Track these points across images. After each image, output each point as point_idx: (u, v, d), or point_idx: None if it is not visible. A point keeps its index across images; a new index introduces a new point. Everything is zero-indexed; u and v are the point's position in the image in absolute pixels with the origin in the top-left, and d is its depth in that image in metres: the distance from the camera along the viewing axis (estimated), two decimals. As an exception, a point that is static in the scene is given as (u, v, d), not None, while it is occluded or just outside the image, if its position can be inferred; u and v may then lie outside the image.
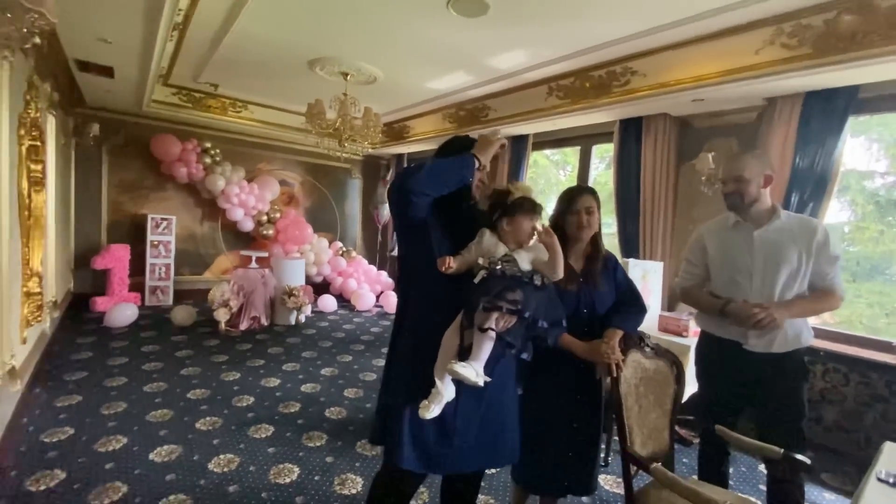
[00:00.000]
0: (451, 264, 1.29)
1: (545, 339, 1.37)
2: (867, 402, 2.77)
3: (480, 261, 1.30)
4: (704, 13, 2.58)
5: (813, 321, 3.15)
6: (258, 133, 6.32)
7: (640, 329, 1.74)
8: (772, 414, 1.83)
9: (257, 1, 2.87)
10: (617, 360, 1.56)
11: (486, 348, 1.29)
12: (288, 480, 2.26)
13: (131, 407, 2.93)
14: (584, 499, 2.23)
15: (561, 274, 1.39)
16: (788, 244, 1.77)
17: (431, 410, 1.24)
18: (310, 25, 3.24)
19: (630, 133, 3.83)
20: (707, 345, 1.99)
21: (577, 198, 1.70)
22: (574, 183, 5.06)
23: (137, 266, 5.53)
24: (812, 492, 2.47)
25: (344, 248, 6.90)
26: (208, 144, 5.90)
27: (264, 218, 6.26)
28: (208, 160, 5.84)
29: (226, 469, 2.32)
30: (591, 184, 4.88)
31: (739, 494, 1.91)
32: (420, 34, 3.23)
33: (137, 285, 5.57)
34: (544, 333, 1.34)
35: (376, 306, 6.37)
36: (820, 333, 3.03)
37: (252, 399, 3.18)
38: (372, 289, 6.55)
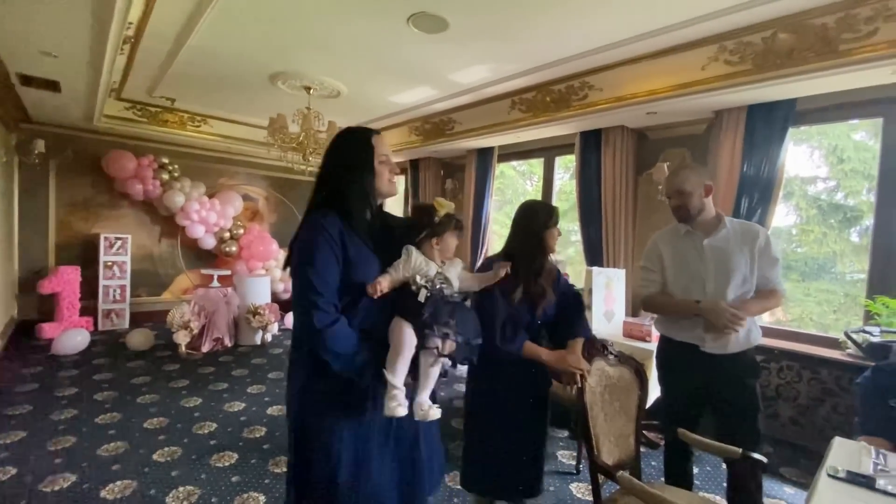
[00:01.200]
0: (384, 288, 1.25)
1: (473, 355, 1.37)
2: (819, 397, 2.91)
3: (418, 279, 1.29)
4: (654, 31, 2.71)
5: (767, 321, 3.30)
6: (219, 147, 6.14)
7: (604, 337, 1.81)
8: (729, 412, 1.89)
9: (214, 16, 2.81)
10: (583, 371, 1.61)
11: (433, 373, 1.30)
12: (253, 510, 2.16)
13: (81, 441, 2.74)
14: (557, 509, 2.23)
15: (478, 288, 1.52)
16: (735, 250, 1.86)
17: (395, 409, 1.19)
18: (270, 40, 3.20)
19: (590, 144, 3.95)
20: (667, 349, 2.06)
21: (557, 215, 1.83)
22: (540, 193, 5.17)
23: (90, 289, 5.23)
24: (772, 486, 2.57)
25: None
26: (165, 160, 5.69)
27: (227, 234, 6.07)
28: (166, 176, 5.63)
29: (185, 502, 2.19)
30: (555, 193, 5.01)
31: (703, 495, 1.97)
32: (382, 49, 3.24)
33: (89, 309, 5.26)
34: (475, 350, 1.35)
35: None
36: (774, 333, 3.19)
37: (215, 425, 3.04)
38: (341, 304, 6.44)
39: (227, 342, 4.82)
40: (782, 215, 5.21)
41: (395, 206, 6.58)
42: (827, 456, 1.46)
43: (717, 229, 1.92)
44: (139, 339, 4.57)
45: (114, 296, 5.42)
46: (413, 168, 6.00)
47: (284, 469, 2.52)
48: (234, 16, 2.84)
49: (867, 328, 2.70)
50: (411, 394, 1.27)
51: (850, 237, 5.04)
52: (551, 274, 1.84)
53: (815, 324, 5.11)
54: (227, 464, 2.57)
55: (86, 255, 5.39)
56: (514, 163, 7.24)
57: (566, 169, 5.96)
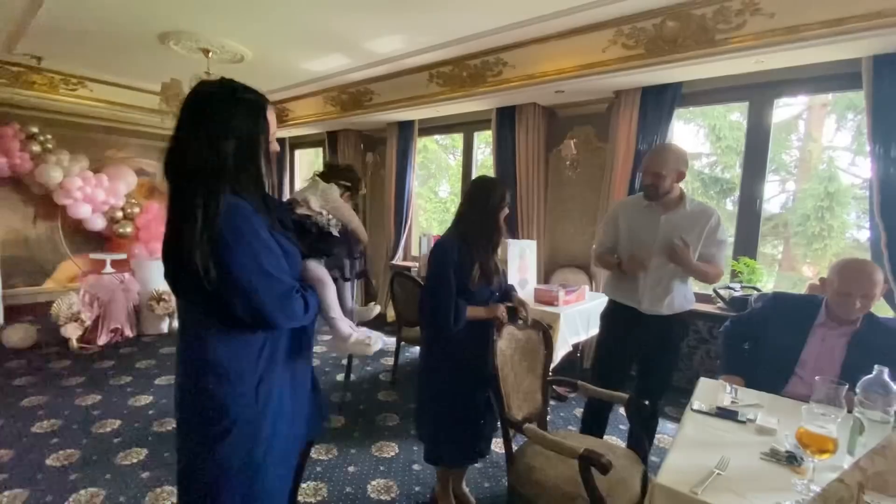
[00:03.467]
0: None
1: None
2: (695, 345, 3.38)
3: (326, 214, 1.48)
4: (561, 11, 2.83)
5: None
6: (103, 115, 5.40)
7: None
8: (653, 367, 2.20)
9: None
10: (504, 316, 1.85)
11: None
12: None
13: (-51, 454, 2.40)
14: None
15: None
16: (688, 228, 2.04)
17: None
18: (156, -6, 2.85)
19: (505, 121, 4.07)
20: (611, 311, 2.28)
21: (507, 193, 1.87)
22: (461, 167, 5.26)
23: (-56, 281, 4.46)
24: (659, 425, 2.97)
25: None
26: (35, 129, 4.89)
27: (119, 214, 5.44)
28: (37, 148, 4.86)
29: (88, 505, 2.04)
30: (476, 167, 5.12)
31: (603, 439, 2.23)
32: (290, 12, 3.03)
33: (-53, 305, 4.50)
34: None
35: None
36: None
37: (118, 422, 2.82)
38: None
39: (128, 332, 4.41)
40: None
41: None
42: (693, 394, 1.74)
43: (676, 208, 2.07)
44: (18, 335, 4.02)
45: (-21, 288, 4.67)
46: (331, 140, 5.77)
47: (202, 458, 2.43)
48: (108, -37, 2.48)
49: (731, 285, 3.16)
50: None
51: (726, 206, 5.81)
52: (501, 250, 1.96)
53: (696, 282, 5.89)
54: (135, 460, 2.41)
55: (-65, 242, 4.56)
56: (437, 136, 7.24)
57: (487, 143, 6.11)
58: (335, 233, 1.45)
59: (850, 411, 1.28)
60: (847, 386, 1.27)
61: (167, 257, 1.04)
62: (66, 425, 2.75)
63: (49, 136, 4.98)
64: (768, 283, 4.36)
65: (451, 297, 1.75)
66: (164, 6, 3.02)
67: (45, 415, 2.87)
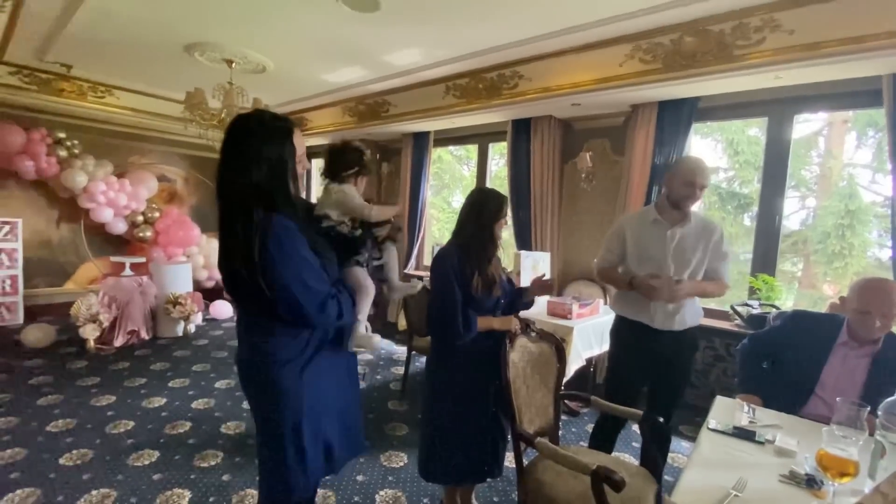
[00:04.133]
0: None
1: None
2: (712, 362, 3.32)
3: (347, 220, 1.52)
4: (578, 26, 2.86)
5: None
6: (128, 122, 5.58)
7: (525, 315, 1.94)
8: (666, 382, 2.15)
9: (116, -25, 2.54)
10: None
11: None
12: (178, 506, 2.08)
13: (-31, 450, 2.45)
14: (486, 478, 2.37)
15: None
16: (694, 242, 2.04)
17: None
18: (185, 6, 2.95)
19: (521, 133, 4.09)
20: (621, 327, 2.22)
21: (506, 206, 1.88)
22: (475, 178, 5.29)
23: (-29, 280, 4.59)
24: (673, 443, 2.91)
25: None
26: (62, 134, 5.05)
27: (140, 218, 5.57)
28: (63, 153, 5.02)
29: (100, 505, 2.06)
30: (490, 178, 5.16)
31: (613, 455, 2.19)
32: (311, 25, 3.11)
33: (-28, 303, 4.63)
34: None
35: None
36: (677, 308, 3.56)
37: (132, 423, 2.85)
38: (272, 291, 6.19)
39: (144, 335, 4.48)
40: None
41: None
42: (710, 412, 1.70)
43: (683, 222, 2.06)
44: (37, 335, 4.11)
45: (2, 287, 4.80)
46: (347, 150, 5.84)
47: (212, 462, 2.44)
48: (140, -23, 2.58)
49: (749, 302, 3.11)
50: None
51: (743, 221, 5.72)
52: (499, 261, 1.93)
53: (715, 299, 5.79)
54: (146, 462, 2.43)
55: (-36, 242, 4.70)
56: (451, 147, 7.30)
57: (501, 155, 6.13)
58: (358, 234, 1.52)
59: (871, 434, 1.24)
60: (868, 408, 1.23)
61: (221, 268, 1.26)
62: (81, 425, 2.80)
63: (76, 142, 5.14)
64: (787, 301, 4.27)
65: (458, 304, 1.74)
66: (191, 19, 3.12)
67: (60, 414, 2.92)
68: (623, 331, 2.22)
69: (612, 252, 2.20)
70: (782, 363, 1.93)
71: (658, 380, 2.18)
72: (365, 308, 1.45)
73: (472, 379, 1.81)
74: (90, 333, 4.10)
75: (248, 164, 1.18)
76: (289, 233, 1.18)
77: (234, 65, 3.83)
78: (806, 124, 5.47)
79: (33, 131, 4.86)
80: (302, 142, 1.29)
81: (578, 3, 2.59)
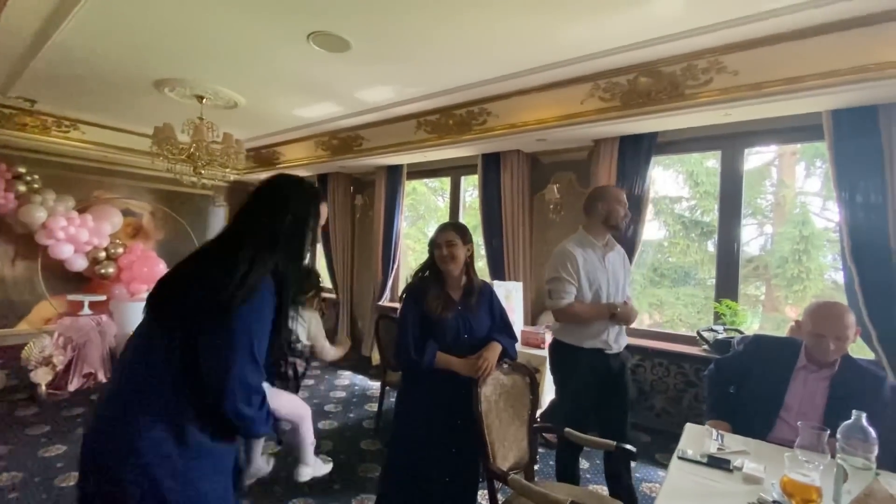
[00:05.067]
0: None
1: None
2: (683, 388, 3.36)
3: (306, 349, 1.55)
4: (540, 67, 3.00)
5: (646, 323, 3.76)
6: (92, 156, 5.44)
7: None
8: (618, 403, 2.20)
9: (86, 13, 2.54)
10: (490, 372, 1.76)
11: None
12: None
13: None
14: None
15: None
16: (620, 266, 2.26)
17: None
18: (155, 44, 2.96)
19: (491, 166, 4.20)
20: (570, 357, 2.19)
21: (439, 233, 1.92)
22: (449, 209, 5.35)
23: (-89, 323, 4.28)
24: (648, 471, 2.90)
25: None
26: (22, 169, 4.89)
27: (102, 255, 5.36)
28: (23, 188, 4.84)
29: (41, 570, 1.88)
30: (464, 210, 5.22)
31: (588, 488, 2.16)
32: (282, 64, 3.17)
33: (-89, 348, 4.30)
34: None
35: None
36: (647, 334, 3.63)
37: (83, 475, 2.65)
38: (243, 326, 5.99)
39: (102, 377, 4.23)
40: (654, 230, 6.01)
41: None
42: (681, 440, 1.71)
43: (613, 247, 2.28)
44: (-17, 380, 3.83)
45: (-53, 330, 4.49)
46: (322, 183, 5.86)
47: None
48: (111, 14, 2.59)
49: (714, 327, 3.20)
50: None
51: (707, 248, 5.95)
52: (479, 292, 1.96)
53: (684, 323, 5.92)
54: (98, 518, 2.25)
55: None
56: (426, 179, 7.41)
57: (474, 186, 6.26)
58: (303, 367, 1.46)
59: (833, 457, 1.27)
60: (829, 431, 1.27)
61: (181, 282, 1.15)
62: (28, 478, 2.59)
63: (36, 176, 4.97)
64: (753, 325, 4.41)
65: (409, 327, 1.80)
66: (161, 56, 3.13)
67: (4, 467, 2.70)
68: (579, 361, 2.17)
69: (572, 282, 2.14)
70: (747, 388, 1.97)
71: (608, 403, 2.21)
72: (310, 434, 1.44)
73: (434, 412, 1.79)
74: (42, 378, 3.85)
75: (276, 211, 1.22)
76: (266, 299, 1.14)
77: (204, 101, 3.84)
78: (758, 156, 5.82)
79: (-9, 166, 4.69)
80: (325, 212, 1.34)
81: (541, 45, 2.73)
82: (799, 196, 5.94)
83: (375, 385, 3.66)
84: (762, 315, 5.86)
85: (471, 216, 5.51)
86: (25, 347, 3.93)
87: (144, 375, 1.07)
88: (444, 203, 9.02)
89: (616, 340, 2.18)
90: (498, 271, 4.14)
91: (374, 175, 5.33)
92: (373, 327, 3.99)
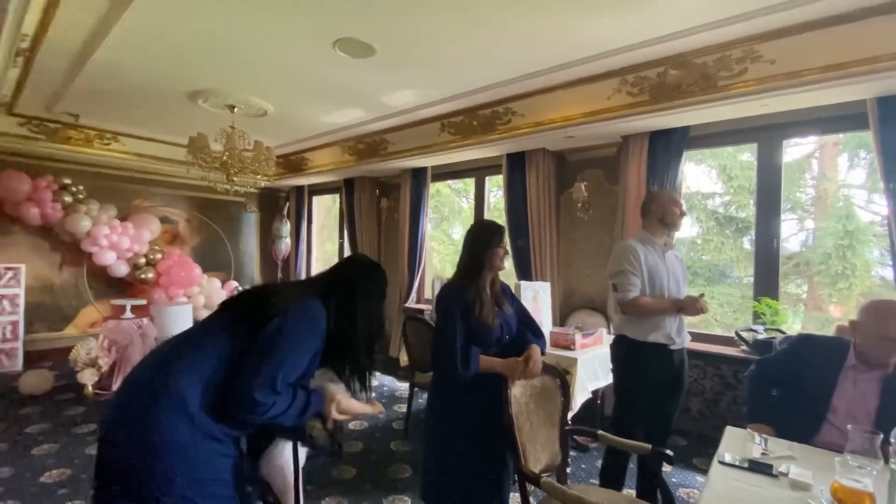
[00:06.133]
0: None
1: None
2: (721, 390, 3.24)
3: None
4: (566, 63, 2.96)
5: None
6: (132, 166, 5.70)
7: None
8: (672, 400, 2.20)
9: (125, 30, 2.66)
10: (538, 374, 1.77)
11: None
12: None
13: (-41, 506, 2.38)
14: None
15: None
16: (678, 265, 2.28)
17: None
18: (189, 58, 3.08)
19: (515, 166, 4.17)
20: (635, 352, 2.17)
21: (496, 236, 1.87)
22: (473, 210, 5.35)
23: (-29, 327, 4.58)
24: (686, 476, 2.81)
25: (240, 288, 6.42)
26: (68, 181, 5.16)
27: (142, 260, 5.60)
28: (68, 199, 5.11)
29: (91, 562, 1.97)
30: (489, 210, 5.21)
31: (624, 493, 2.11)
32: (309, 71, 3.24)
33: (-29, 351, 4.60)
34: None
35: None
36: (681, 335, 3.52)
37: (127, 471, 2.77)
38: (274, 329, 6.13)
39: (144, 378, 4.42)
40: (687, 227, 5.82)
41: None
42: (720, 444, 1.65)
43: (671, 247, 2.29)
44: (34, 381, 4.06)
45: (3, 334, 4.78)
46: (348, 187, 5.95)
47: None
48: (147, 31, 2.71)
49: (754, 326, 3.07)
50: None
51: (743, 245, 5.73)
52: (503, 291, 1.94)
53: (719, 323, 5.71)
54: (141, 513, 2.34)
55: (-33, 289, 4.73)
56: (449, 181, 7.43)
57: (498, 187, 6.23)
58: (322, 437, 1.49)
59: (886, 462, 1.20)
60: (881, 435, 1.20)
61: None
62: (76, 475, 2.72)
63: (80, 187, 5.24)
64: (794, 325, 4.21)
65: (456, 340, 1.72)
66: (195, 68, 3.25)
67: (54, 464, 2.85)
68: (642, 356, 2.16)
69: (637, 276, 2.14)
70: (792, 390, 1.88)
71: (664, 400, 2.18)
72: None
73: (472, 415, 1.77)
74: (88, 378, 4.05)
75: (353, 279, 1.48)
76: (317, 322, 1.30)
77: (235, 110, 3.96)
78: (797, 147, 5.57)
79: (39, 179, 4.97)
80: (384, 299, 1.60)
81: (565, 42, 2.70)
82: (842, 189, 5.65)
83: (404, 386, 3.68)
84: (804, 315, 5.59)
85: (495, 217, 5.49)
86: (73, 350, 4.14)
87: (193, 358, 1.18)
88: (467, 204, 9.02)
89: (679, 334, 2.17)
90: (524, 271, 4.10)
91: (399, 178, 5.38)
92: (400, 328, 4.02)
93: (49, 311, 5.39)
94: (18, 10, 2.19)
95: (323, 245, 7.97)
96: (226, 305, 1.36)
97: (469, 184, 7.67)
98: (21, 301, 4.90)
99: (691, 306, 2.12)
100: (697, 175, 6.04)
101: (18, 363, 4.83)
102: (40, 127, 4.69)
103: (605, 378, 2.99)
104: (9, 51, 2.64)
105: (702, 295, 2.12)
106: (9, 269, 4.86)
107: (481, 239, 1.87)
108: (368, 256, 1.63)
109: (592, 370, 2.88)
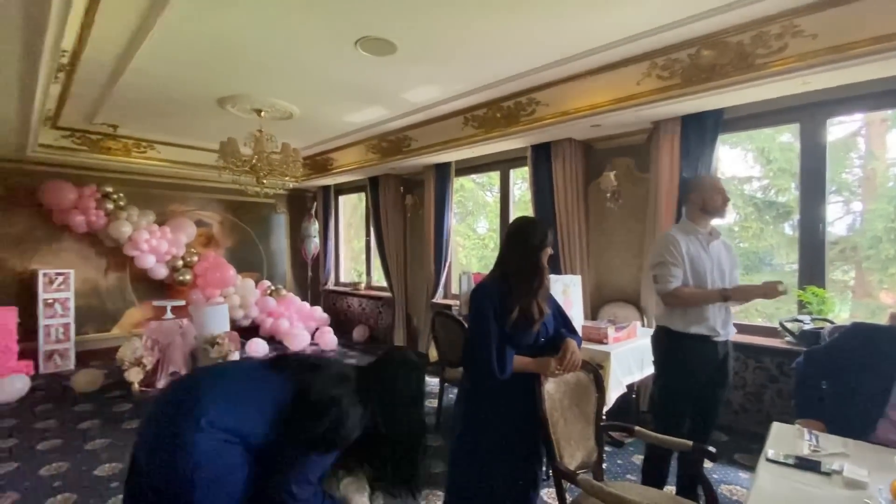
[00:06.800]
0: None
1: None
2: (764, 383, 3.11)
3: None
4: (591, 50, 2.88)
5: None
6: (168, 173, 5.93)
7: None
8: (715, 394, 2.12)
9: (155, 41, 2.75)
10: (578, 365, 1.74)
11: None
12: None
13: (24, 499, 2.54)
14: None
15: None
16: (726, 255, 2.17)
17: None
18: (216, 65, 3.16)
19: (541, 157, 4.10)
20: (677, 345, 2.11)
21: (545, 235, 1.75)
22: (498, 204, 5.30)
23: (28, 329, 4.87)
24: (727, 472, 2.71)
25: (272, 287, 6.59)
26: (109, 189, 5.42)
27: (179, 263, 5.83)
28: (111, 206, 5.36)
29: (143, 552, 2.07)
30: (514, 203, 5.15)
31: (665, 491, 2.05)
32: (332, 71, 3.27)
33: (29, 351, 4.89)
34: None
35: (312, 344, 6.12)
36: (720, 326, 3.38)
37: (173, 465, 2.89)
38: (306, 326, 6.28)
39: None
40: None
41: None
42: (766, 441, 1.58)
43: (717, 236, 2.20)
44: (86, 379, 4.29)
45: (56, 335, 5.07)
46: (373, 185, 6.00)
47: None
48: (176, 41, 2.79)
49: (799, 316, 2.92)
50: None
51: (784, 231, 5.45)
52: (546, 291, 1.81)
53: (760, 313, 5.46)
54: (188, 505, 2.44)
55: (21, 294, 5.04)
56: (472, 175, 7.39)
57: (523, 179, 6.14)
58: None
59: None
60: (952, 433, 1.11)
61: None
62: (126, 469, 2.85)
63: (121, 195, 5.49)
64: (842, 313, 3.98)
65: (493, 342, 1.65)
66: (223, 75, 3.34)
67: (106, 458, 3.00)
68: (685, 348, 2.09)
69: (678, 266, 2.08)
70: (844, 383, 1.79)
71: (708, 394, 2.10)
72: None
73: (504, 412, 1.74)
74: (135, 377, 4.25)
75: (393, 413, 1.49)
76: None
77: (263, 113, 4.05)
78: (841, 126, 5.24)
79: (84, 188, 5.23)
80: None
81: (590, 27, 2.62)
82: (891, 168, 5.29)
83: (434, 381, 3.70)
84: (852, 302, 5.28)
85: (521, 209, 5.42)
86: (120, 349, 4.35)
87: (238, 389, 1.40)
88: (492, 198, 8.95)
89: (724, 326, 2.08)
90: (553, 265, 4.03)
91: (423, 174, 5.39)
92: (429, 324, 4.03)
93: (96, 313, 5.68)
94: (58, 27, 2.29)
95: (350, 243, 8.08)
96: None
97: (493, 177, 7.62)
98: (71, 304, 5.18)
99: (739, 293, 2.01)
100: (733, 159, 5.78)
101: (71, 363, 5.12)
102: (82, 138, 4.93)
103: (639, 372, 2.91)
104: (50, 68, 2.76)
105: (779, 282, 1.93)
106: (59, 274, 5.14)
107: (533, 239, 1.72)
108: (411, 352, 1.66)
109: (626, 364, 2.81)
